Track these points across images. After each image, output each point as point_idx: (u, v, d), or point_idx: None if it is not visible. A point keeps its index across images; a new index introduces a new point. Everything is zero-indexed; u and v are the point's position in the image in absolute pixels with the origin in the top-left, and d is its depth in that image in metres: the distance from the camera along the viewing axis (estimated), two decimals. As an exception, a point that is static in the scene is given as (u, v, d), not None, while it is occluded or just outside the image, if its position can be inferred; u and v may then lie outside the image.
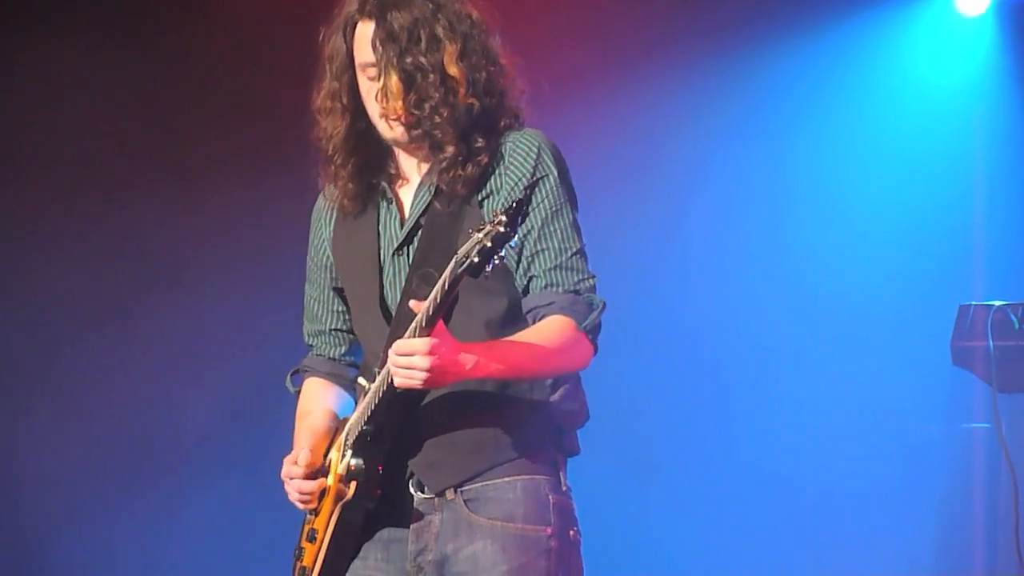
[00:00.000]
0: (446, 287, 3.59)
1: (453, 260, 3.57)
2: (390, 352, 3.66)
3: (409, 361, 3.62)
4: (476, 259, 3.53)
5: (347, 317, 4.14)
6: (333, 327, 4.15)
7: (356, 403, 4.00)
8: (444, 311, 3.63)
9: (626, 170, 7.02)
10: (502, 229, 3.53)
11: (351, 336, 4.15)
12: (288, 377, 4.23)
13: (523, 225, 3.81)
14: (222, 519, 7.00)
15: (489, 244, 3.53)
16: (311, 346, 4.21)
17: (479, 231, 3.55)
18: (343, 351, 4.16)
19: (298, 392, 4.19)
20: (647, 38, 7.02)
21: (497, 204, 3.86)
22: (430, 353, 3.61)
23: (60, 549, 6.92)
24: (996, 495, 6.59)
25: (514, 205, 3.57)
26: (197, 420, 7.05)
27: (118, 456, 7.01)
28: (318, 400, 4.12)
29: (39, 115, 6.93)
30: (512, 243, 3.54)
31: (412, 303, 3.66)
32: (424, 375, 3.62)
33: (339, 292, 4.13)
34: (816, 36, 7.11)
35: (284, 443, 4.08)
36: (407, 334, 3.67)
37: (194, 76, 7.05)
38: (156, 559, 7.01)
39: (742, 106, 7.14)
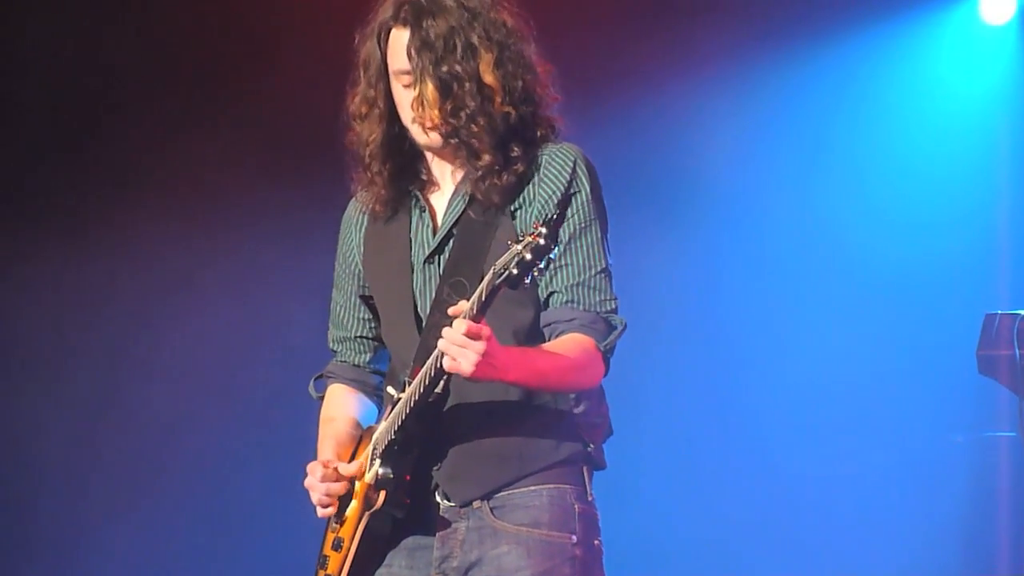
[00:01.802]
0: (483, 298, 3.58)
1: (491, 271, 3.56)
2: (444, 332, 3.59)
3: (466, 341, 3.58)
4: (515, 271, 3.52)
5: (373, 325, 4.13)
6: (358, 334, 4.15)
7: (382, 412, 4.00)
8: (480, 321, 3.61)
9: (654, 174, 7.01)
10: (542, 241, 3.51)
11: (376, 344, 4.15)
12: (311, 382, 4.23)
13: None
14: (238, 525, 7.01)
15: (528, 256, 3.51)
16: (335, 352, 4.21)
17: (518, 243, 3.54)
18: (368, 358, 4.16)
19: (321, 397, 4.19)
20: (678, 45, 7.02)
21: (529, 216, 3.84)
22: (488, 338, 3.59)
23: (77, 551, 6.94)
24: (1021, 503, 6.58)
25: (555, 217, 3.56)
26: (216, 425, 7.05)
27: (138, 461, 7.02)
28: (341, 406, 4.12)
29: (50, 108, 6.95)
30: (552, 255, 3.52)
31: (451, 310, 3.63)
32: (476, 358, 3.57)
33: (366, 300, 4.12)
34: (841, 44, 7.10)
35: (301, 449, 4.10)
36: None
37: (207, 78, 7.07)
38: (175, 565, 7.02)
39: (767, 114, 7.13)
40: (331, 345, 4.22)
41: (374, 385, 4.15)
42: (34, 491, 6.95)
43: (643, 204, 6.81)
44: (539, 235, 3.52)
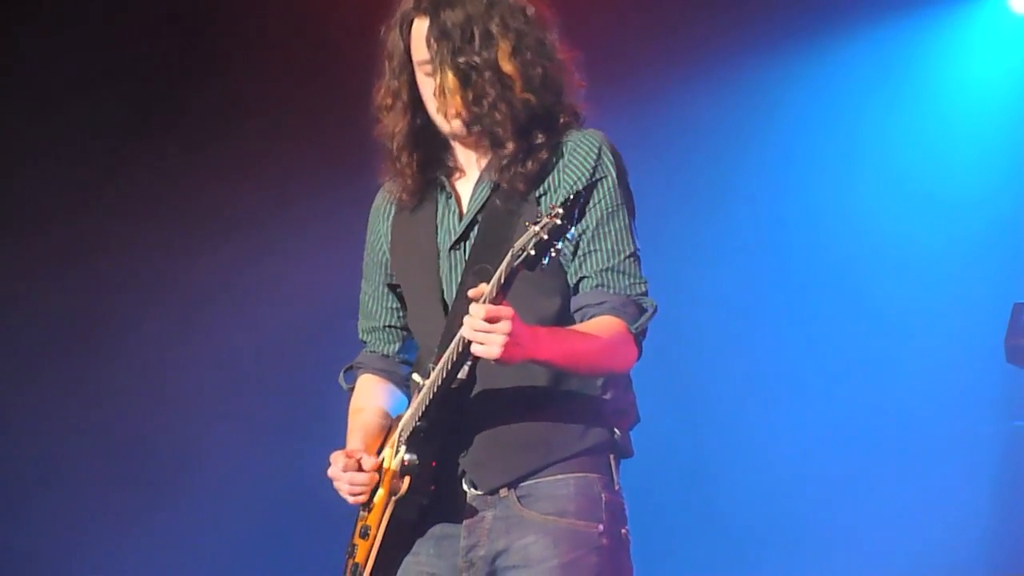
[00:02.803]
0: (502, 280, 3.59)
1: (510, 253, 3.58)
2: (465, 319, 3.61)
3: (491, 325, 3.58)
4: (532, 252, 3.54)
5: (401, 314, 4.16)
6: (387, 324, 4.17)
7: (410, 400, 4.01)
8: (500, 303, 3.62)
9: (684, 164, 7.01)
10: (559, 221, 3.53)
11: (405, 333, 4.17)
12: (341, 374, 4.25)
13: (579, 224, 3.81)
14: (265, 519, 7.04)
15: (545, 236, 3.53)
16: (364, 343, 4.23)
17: (535, 224, 3.55)
18: (396, 348, 4.18)
19: (351, 389, 4.21)
20: (707, 33, 7.01)
21: (554, 201, 3.83)
22: (512, 319, 3.59)
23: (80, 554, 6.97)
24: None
25: (571, 198, 3.58)
26: (246, 418, 7.08)
27: (152, 457, 7.04)
28: (371, 397, 4.14)
29: (63, 115, 6.97)
30: (569, 235, 3.55)
31: (471, 292, 3.64)
32: (503, 339, 3.58)
33: (393, 289, 4.15)
34: (869, 35, 7.08)
35: (332, 441, 4.12)
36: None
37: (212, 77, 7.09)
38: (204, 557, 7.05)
39: (798, 107, 7.12)
40: (361, 336, 4.24)
41: (403, 375, 4.17)
42: (71, 489, 6.97)
43: (670, 195, 6.81)
44: (556, 215, 3.53)
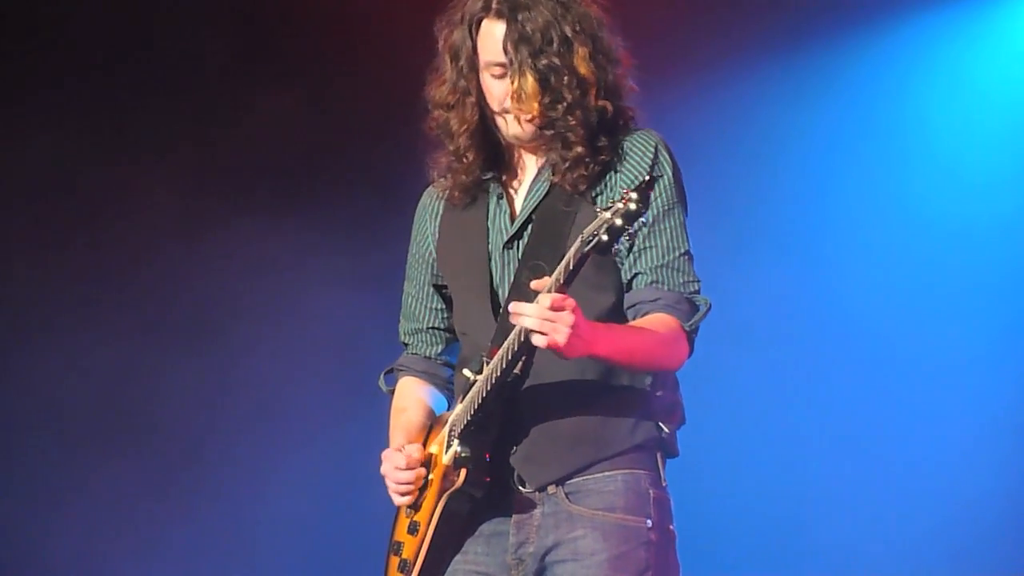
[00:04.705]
0: (571, 266, 3.59)
1: (579, 239, 3.58)
2: (528, 309, 3.59)
3: (556, 314, 3.58)
4: (605, 237, 3.53)
5: (445, 315, 4.17)
6: (430, 325, 4.18)
7: (454, 399, 4.03)
8: (565, 291, 3.62)
9: (725, 162, 6.99)
10: (633, 206, 3.53)
11: (448, 335, 4.18)
12: (381, 376, 4.26)
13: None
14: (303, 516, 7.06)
15: (619, 221, 3.53)
16: (406, 345, 4.23)
17: (606, 210, 3.55)
18: (439, 350, 4.19)
19: (391, 391, 4.21)
20: (748, 28, 7.01)
21: (613, 197, 3.82)
22: (574, 310, 3.60)
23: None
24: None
25: (645, 182, 3.57)
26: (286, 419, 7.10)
27: (179, 457, 7.06)
28: (413, 397, 4.15)
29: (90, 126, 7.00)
30: (645, 218, 3.54)
31: (534, 283, 3.65)
32: (568, 330, 3.57)
33: (439, 289, 4.16)
34: (901, 32, 7.06)
35: (371, 443, 4.12)
36: None
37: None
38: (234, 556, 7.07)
39: (844, 99, 7.10)
40: (402, 338, 4.25)
41: (444, 378, 4.18)
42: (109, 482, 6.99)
43: (716, 194, 6.79)
44: (630, 199, 3.53)
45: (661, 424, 3.93)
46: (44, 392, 6.90)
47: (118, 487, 6.91)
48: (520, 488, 3.88)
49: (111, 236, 7.00)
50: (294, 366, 7.05)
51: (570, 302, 3.58)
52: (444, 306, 4.17)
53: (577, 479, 3.86)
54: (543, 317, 3.58)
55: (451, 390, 4.18)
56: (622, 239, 3.54)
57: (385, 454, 3.97)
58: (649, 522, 3.86)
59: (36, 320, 6.93)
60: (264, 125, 7.00)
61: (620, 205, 3.53)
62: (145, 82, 6.97)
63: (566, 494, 3.86)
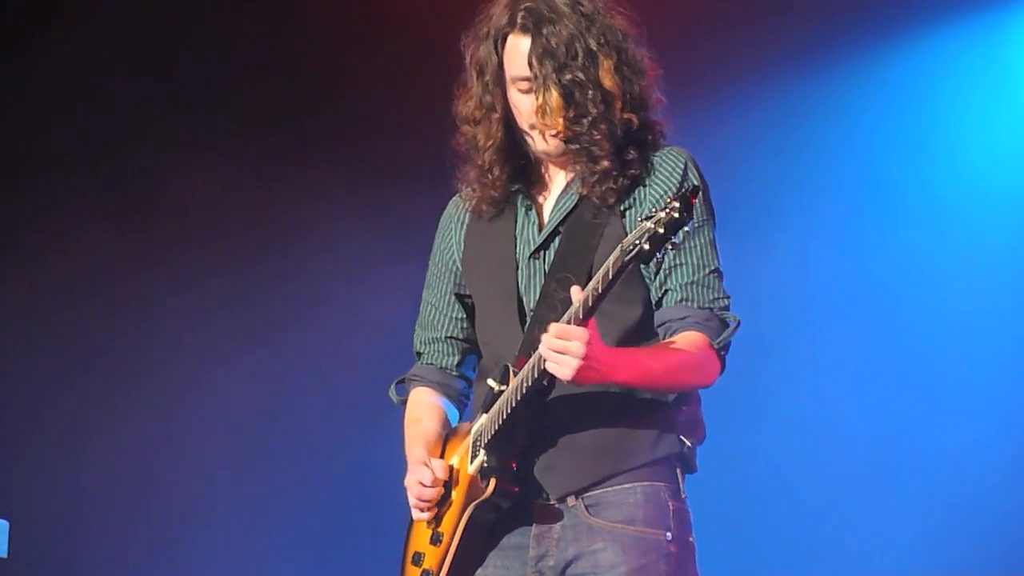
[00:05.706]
0: (610, 276, 3.57)
1: (618, 249, 3.56)
2: (543, 339, 3.60)
3: (565, 346, 3.59)
4: (646, 246, 3.51)
5: (465, 325, 4.16)
6: (449, 335, 4.17)
7: (470, 411, 4.03)
8: (603, 302, 3.61)
9: (753, 173, 6.99)
10: (676, 215, 3.50)
11: (465, 345, 4.17)
12: (392, 386, 4.24)
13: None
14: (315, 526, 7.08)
15: (661, 231, 3.50)
16: (420, 354, 4.22)
17: (647, 219, 3.53)
18: (455, 361, 4.18)
19: (403, 401, 4.20)
20: (775, 41, 7.00)
21: (638, 215, 3.79)
22: (588, 342, 3.60)
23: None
24: None
25: (689, 191, 3.55)
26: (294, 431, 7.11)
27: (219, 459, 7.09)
28: (428, 408, 4.14)
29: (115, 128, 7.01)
30: (688, 227, 3.52)
31: (574, 290, 3.64)
32: (577, 363, 3.59)
33: (461, 298, 4.15)
34: (931, 40, 7.04)
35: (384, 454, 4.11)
36: (562, 321, 3.64)
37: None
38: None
39: (879, 105, 7.09)
40: (417, 347, 4.23)
41: (458, 390, 4.18)
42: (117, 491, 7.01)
43: (743, 206, 6.78)
44: (673, 209, 3.51)
45: (683, 438, 3.93)
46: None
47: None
48: (540, 500, 3.87)
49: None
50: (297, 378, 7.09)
51: (580, 333, 3.58)
52: (464, 315, 4.16)
53: (596, 491, 3.85)
54: (553, 348, 3.60)
55: (464, 403, 4.18)
56: (665, 247, 3.52)
57: (411, 466, 3.96)
58: (669, 534, 3.86)
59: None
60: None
61: (663, 215, 3.51)
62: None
63: (586, 506, 3.85)
